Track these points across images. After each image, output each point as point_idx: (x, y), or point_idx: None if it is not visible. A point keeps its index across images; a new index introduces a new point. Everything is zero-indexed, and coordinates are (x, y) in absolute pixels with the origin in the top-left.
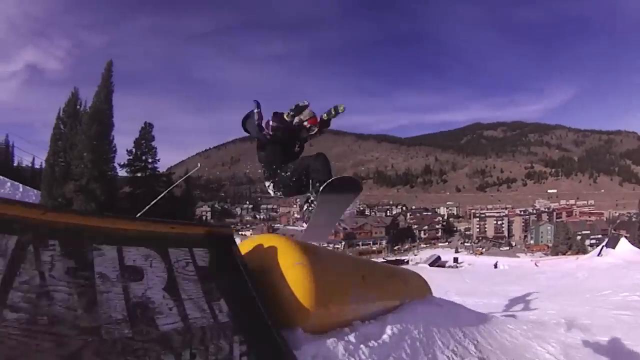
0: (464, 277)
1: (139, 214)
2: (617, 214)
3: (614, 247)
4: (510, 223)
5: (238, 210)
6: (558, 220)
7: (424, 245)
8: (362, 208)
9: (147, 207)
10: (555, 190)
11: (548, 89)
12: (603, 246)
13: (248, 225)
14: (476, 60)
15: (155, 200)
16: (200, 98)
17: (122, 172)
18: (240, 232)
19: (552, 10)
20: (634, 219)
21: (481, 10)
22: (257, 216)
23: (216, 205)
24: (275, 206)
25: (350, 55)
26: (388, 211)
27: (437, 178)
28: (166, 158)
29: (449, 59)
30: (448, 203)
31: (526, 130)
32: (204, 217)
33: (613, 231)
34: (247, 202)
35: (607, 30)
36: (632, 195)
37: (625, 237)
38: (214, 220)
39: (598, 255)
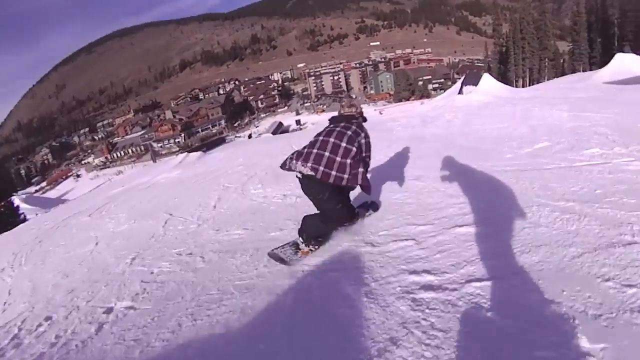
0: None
1: None
2: (457, 60)
3: (476, 84)
4: (347, 77)
5: (76, 138)
6: (396, 68)
7: (264, 115)
8: (195, 93)
9: None
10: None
11: None
12: (462, 84)
13: (89, 151)
14: None
15: None
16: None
17: None
18: (82, 162)
19: None
20: (476, 63)
21: None
22: (95, 137)
23: (54, 143)
24: (110, 120)
25: None
26: (220, 89)
27: (266, 46)
28: None
29: None
30: (281, 68)
31: None
32: (45, 162)
33: (456, 75)
34: (82, 127)
35: None
36: (471, 43)
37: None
38: (55, 160)
39: (459, 93)
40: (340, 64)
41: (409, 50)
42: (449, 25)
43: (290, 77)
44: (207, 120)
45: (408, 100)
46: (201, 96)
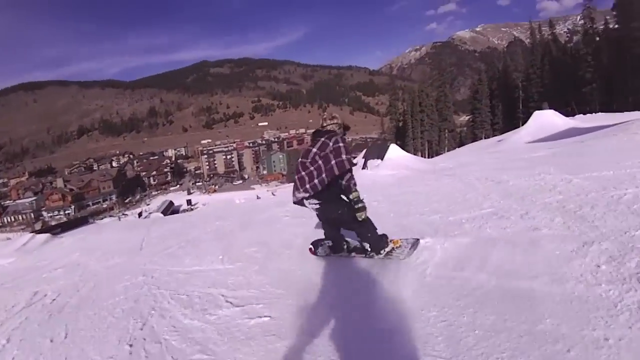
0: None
1: None
2: (350, 139)
3: (381, 157)
4: (240, 156)
5: None
6: (289, 148)
7: (156, 192)
8: (89, 163)
9: None
10: (284, 123)
11: (278, 27)
12: (364, 158)
13: None
14: None
15: None
16: None
17: None
18: None
19: None
20: (369, 142)
21: None
22: None
23: None
24: (4, 180)
25: None
26: (114, 161)
27: (162, 120)
28: None
29: None
30: (176, 145)
31: (254, 66)
32: None
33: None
34: None
35: None
36: (364, 122)
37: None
38: None
39: (362, 169)
40: (234, 142)
41: (302, 130)
42: (343, 105)
43: (184, 154)
44: (98, 194)
45: None
46: (95, 167)
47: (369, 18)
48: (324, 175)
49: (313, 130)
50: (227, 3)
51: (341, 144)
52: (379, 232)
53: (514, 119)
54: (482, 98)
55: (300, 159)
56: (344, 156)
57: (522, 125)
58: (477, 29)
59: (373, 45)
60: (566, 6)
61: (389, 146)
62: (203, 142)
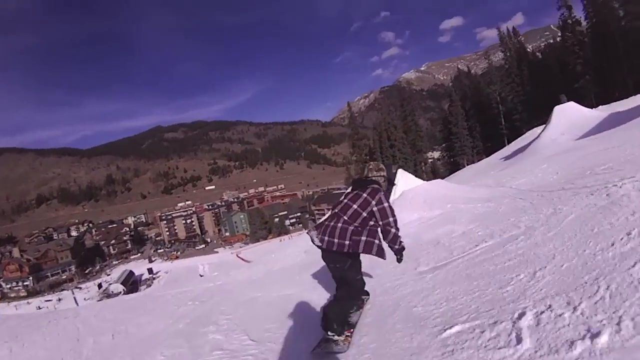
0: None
1: None
2: (311, 192)
3: (389, 191)
4: (200, 220)
5: None
6: (250, 207)
7: (116, 262)
8: (49, 232)
9: None
10: (242, 184)
11: (228, 89)
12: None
13: None
14: (160, 64)
15: None
16: None
17: None
18: None
19: (237, 15)
20: (334, 192)
21: (173, 16)
22: None
23: None
24: None
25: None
26: (73, 230)
27: (120, 187)
28: None
29: (135, 64)
30: (135, 212)
31: (207, 129)
32: None
33: (313, 206)
34: None
35: (289, 33)
36: (323, 174)
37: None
38: None
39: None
40: (194, 206)
41: (262, 189)
42: (299, 160)
43: (144, 221)
44: (56, 264)
45: (266, 239)
46: (55, 236)
47: (315, 72)
48: (347, 242)
49: (354, 179)
50: (178, 68)
51: (386, 204)
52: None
53: (496, 138)
54: (458, 121)
55: (337, 208)
56: (390, 219)
57: (509, 142)
58: (422, 69)
59: (322, 98)
60: (503, 31)
61: (395, 172)
62: (160, 209)
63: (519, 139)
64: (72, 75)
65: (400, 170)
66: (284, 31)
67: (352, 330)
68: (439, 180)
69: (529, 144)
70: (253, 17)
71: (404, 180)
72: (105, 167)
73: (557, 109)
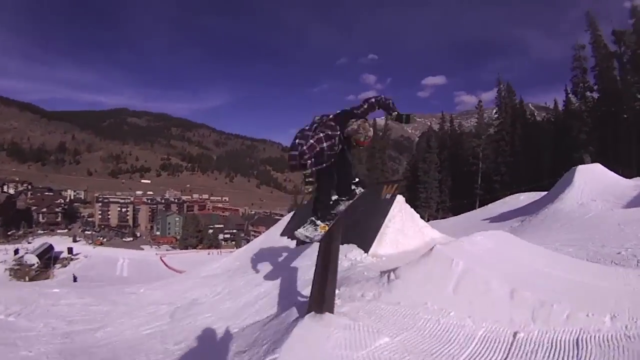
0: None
1: None
2: (253, 212)
3: (370, 241)
4: (136, 211)
5: None
6: (189, 212)
7: (42, 232)
8: None
9: None
10: (188, 186)
11: (201, 90)
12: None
13: None
14: (141, 46)
15: None
16: None
17: None
18: None
19: (228, 21)
20: (274, 217)
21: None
22: None
23: None
24: None
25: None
26: (10, 188)
27: (70, 158)
28: None
29: (117, 39)
30: (77, 187)
31: (170, 124)
32: None
33: (251, 227)
34: None
35: (274, 52)
36: (269, 197)
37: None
38: None
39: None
40: (132, 196)
41: (206, 196)
42: (251, 177)
43: (82, 198)
44: None
45: (195, 248)
46: None
47: (291, 96)
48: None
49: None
50: (158, 55)
51: (322, 135)
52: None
53: (468, 197)
54: (430, 169)
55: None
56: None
57: (481, 205)
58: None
59: (290, 123)
60: (484, 100)
61: (389, 206)
62: (102, 190)
63: (498, 202)
64: (52, 32)
65: (400, 199)
66: (269, 49)
67: (333, 221)
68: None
69: (537, 208)
70: (243, 28)
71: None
72: (62, 134)
73: (581, 170)
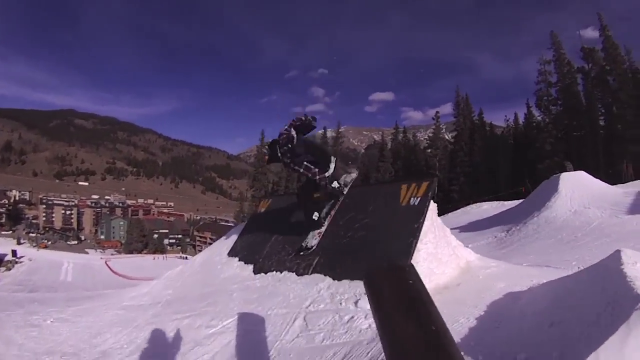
0: None
1: None
2: (198, 217)
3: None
4: (80, 214)
5: None
6: (134, 217)
7: None
8: None
9: None
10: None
11: (149, 95)
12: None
13: None
14: (92, 44)
15: None
16: None
17: None
18: None
19: (179, 26)
20: (220, 222)
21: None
22: None
23: None
24: None
25: None
26: None
27: (16, 157)
28: None
29: (70, 36)
30: (21, 187)
31: (117, 128)
32: None
33: (196, 232)
34: None
35: (224, 60)
36: (214, 203)
37: None
38: None
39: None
40: (77, 199)
41: (151, 201)
42: (196, 183)
43: (27, 199)
44: None
45: (140, 252)
46: None
47: (238, 105)
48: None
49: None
50: (108, 56)
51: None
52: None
53: None
54: (384, 179)
55: None
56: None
57: (439, 215)
58: (339, 130)
59: (235, 131)
60: (429, 116)
61: (420, 219)
62: (47, 192)
63: (459, 211)
64: (5, 26)
65: (432, 207)
66: (219, 56)
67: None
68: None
69: (522, 217)
70: (195, 35)
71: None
72: (8, 132)
73: (565, 177)
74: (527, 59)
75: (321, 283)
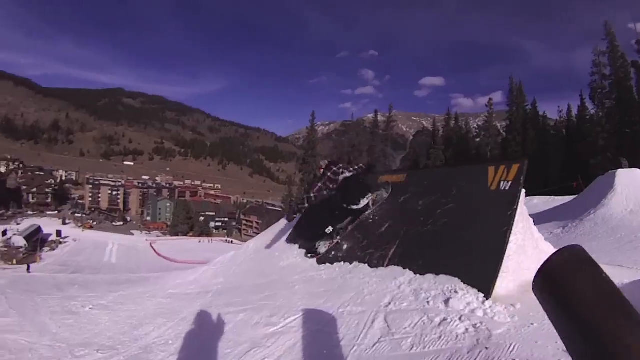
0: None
1: None
2: (245, 201)
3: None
4: (127, 195)
5: None
6: (181, 198)
7: (31, 212)
8: None
9: None
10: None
11: (198, 75)
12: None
13: None
14: (141, 25)
15: None
16: None
17: None
18: None
19: (232, 8)
20: (267, 207)
21: None
22: None
23: None
24: None
25: None
26: (2, 166)
27: (63, 137)
28: None
29: (118, 18)
30: (69, 167)
31: (165, 107)
32: None
33: (242, 216)
34: None
35: (273, 40)
36: (261, 187)
37: None
38: None
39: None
40: (124, 179)
41: (198, 183)
42: (244, 166)
43: (73, 179)
44: None
45: (186, 235)
46: None
47: (288, 86)
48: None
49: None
50: (156, 35)
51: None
52: None
53: None
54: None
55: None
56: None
57: None
58: (388, 115)
59: (285, 113)
60: (480, 104)
61: (514, 206)
62: (94, 172)
63: None
64: (53, 6)
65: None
66: (269, 37)
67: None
68: None
69: (578, 213)
70: (244, 12)
71: None
72: (56, 112)
73: (621, 174)
74: (579, 49)
75: (400, 277)
